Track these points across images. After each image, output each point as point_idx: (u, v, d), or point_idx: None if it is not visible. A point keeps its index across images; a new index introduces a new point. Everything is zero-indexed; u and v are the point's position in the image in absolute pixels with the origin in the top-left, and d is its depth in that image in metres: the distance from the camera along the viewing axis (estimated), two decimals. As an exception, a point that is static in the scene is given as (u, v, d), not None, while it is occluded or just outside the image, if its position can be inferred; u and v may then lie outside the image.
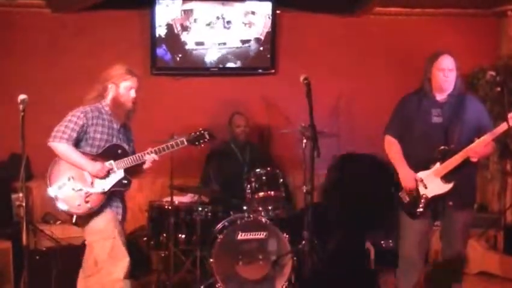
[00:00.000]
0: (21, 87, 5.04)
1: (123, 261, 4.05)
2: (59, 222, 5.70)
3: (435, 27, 6.57)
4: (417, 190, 4.32)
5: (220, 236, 4.94)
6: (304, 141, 4.93)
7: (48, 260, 5.13)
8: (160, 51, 6.11)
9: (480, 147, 4.18)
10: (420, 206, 4.31)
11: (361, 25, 6.56)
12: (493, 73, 4.26)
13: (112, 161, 4.07)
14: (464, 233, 4.45)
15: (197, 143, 4.30)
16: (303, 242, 4.86)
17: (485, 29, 6.66)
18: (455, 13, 6.62)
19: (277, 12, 6.31)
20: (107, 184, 4.05)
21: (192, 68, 6.26)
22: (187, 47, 6.17)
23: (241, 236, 4.95)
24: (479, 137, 4.20)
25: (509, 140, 5.46)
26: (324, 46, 6.53)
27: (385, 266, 5.43)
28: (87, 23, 6.06)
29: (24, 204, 3.94)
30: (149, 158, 4.12)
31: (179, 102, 6.27)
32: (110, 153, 4.08)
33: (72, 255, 5.30)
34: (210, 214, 5.27)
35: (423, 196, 4.30)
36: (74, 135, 4.03)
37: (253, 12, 6.23)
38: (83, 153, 4.04)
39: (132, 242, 5.49)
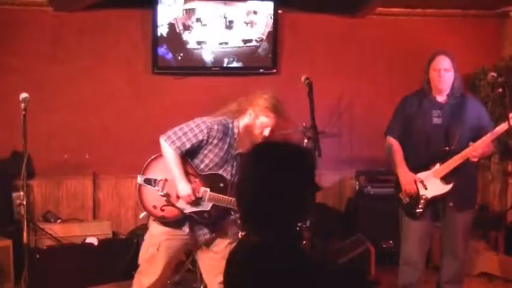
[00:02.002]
0: (23, 85, 5.08)
1: (152, 276, 3.89)
2: (59, 220, 5.70)
3: (436, 28, 6.56)
4: (417, 191, 4.32)
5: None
6: (306, 141, 4.93)
7: (48, 259, 5.15)
8: (161, 50, 6.11)
9: (480, 147, 4.18)
10: (420, 206, 4.31)
11: (363, 25, 6.56)
12: (495, 74, 4.27)
13: (208, 190, 3.81)
14: (465, 234, 4.45)
15: None
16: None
17: (487, 30, 6.66)
18: (456, 14, 6.61)
19: (279, 12, 6.30)
20: (190, 208, 3.82)
21: (194, 67, 6.26)
22: (188, 46, 6.16)
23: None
24: (479, 138, 4.20)
25: (511, 141, 5.47)
26: (326, 46, 6.52)
27: (386, 265, 5.43)
28: (89, 22, 6.06)
29: (25, 202, 3.96)
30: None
31: (181, 101, 6.26)
32: (211, 181, 3.82)
33: (73, 254, 5.34)
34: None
35: (423, 197, 4.30)
36: (188, 146, 3.75)
37: (255, 12, 6.23)
38: (189, 165, 3.82)
39: (133, 241, 5.51)
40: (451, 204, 4.30)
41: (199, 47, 6.18)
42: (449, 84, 4.31)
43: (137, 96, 6.15)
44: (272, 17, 6.25)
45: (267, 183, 2.07)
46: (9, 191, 5.55)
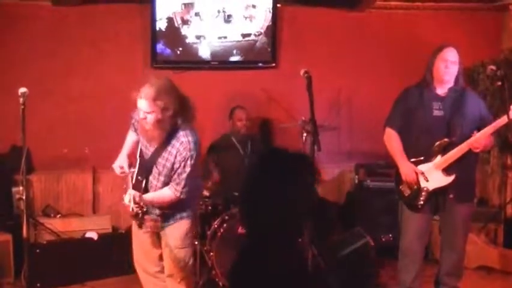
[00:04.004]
0: (22, 79, 5.08)
1: None
2: (59, 215, 5.71)
3: (436, 21, 6.56)
4: (418, 183, 4.32)
5: (221, 230, 4.95)
6: (305, 135, 4.93)
7: (48, 253, 5.15)
8: (160, 45, 6.09)
9: (482, 139, 4.20)
10: (421, 198, 4.32)
11: (362, 19, 6.55)
12: (494, 67, 4.27)
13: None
14: (464, 226, 4.46)
15: None
16: (303, 235, 4.85)
17: (486, 23, 6.65)
18: (456, 7, 6.61)
19: (278, 5, 6.30)
20: None
21: (192, 61, 6.25)
22: (187, 40, 6.15)
23: (241, 229, 4.96)
24: (479, 130, 4.22)
25: (510, 134, 5.47)
26: (325, 40, 6.52)
27: (385, 259, 5.44)
28: (88, 16, 6.04)
29: (24, 197, 3.95)
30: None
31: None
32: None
33: (72, 249, 5.34)
34: (210, 208, 5.27)
35: (425, 189, 4.31)
36: None
37: (254, 6, 6.22)
38: None
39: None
40: (451, 196, 4.31)
41: (198, 41, 6.17)
42: (453, 76, 4.32)
43: (135, 90, 6.12)
44: (271, 11, 6.24)
45: (270, 195, 2.10)
46: (8, 186, 5.54)
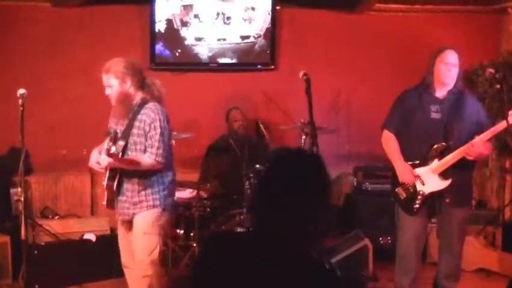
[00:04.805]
0: (21, 81, 5.07)
1: None
2: (57, 217, 5.70)
3: (435, 24, 6.56)
4: (414, 186, 4.32)
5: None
6: (304, 137, 4.93)
7: (46, 255, 5.14)
8: (159, 46, 6.10)
9: (478, 145, 4.17)
10: (417, 202, 4.31)
11: (361, 21, 6.56)
12: (492, 70, 4.26)
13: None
14: (461, 230, 4.45)
15: None
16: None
17: (485, 26, 6.65)
18: (455, 9, 6.61)
19: (277, 8, 6.30)
20: None
21: (191, 63, 6.25)
22: (186, 42, 6.16)
23: (239, 231, 4.96)
24: (478, 135, 4.19)
25: (509, 138, 5.47)
26: (324, 42, 6.52)
27: (384, 261, 5.43)
28: (87, 18, 6.05)
29: (22, 198, 3.95)
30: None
31: (178, 97, 6.24)
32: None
33: (70, 250, 5.33)
34: (208, 210, 5.27)
35: (421, 192, 4.30)
36: None
37: (253, 8, 6.23)
38: None
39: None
40: (447, 200, 4.29)
41: (197, 43, 6.17)
42: (454, 79, 4.29)
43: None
44: (270, 13, 6.24)
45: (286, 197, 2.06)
46: (7, 187, 5.54)
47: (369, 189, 6.10)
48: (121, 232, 4.20)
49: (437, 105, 4.31)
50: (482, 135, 4.16)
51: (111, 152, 3.81)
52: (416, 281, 4.49)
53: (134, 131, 3.96)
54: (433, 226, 4.76)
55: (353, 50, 6.56)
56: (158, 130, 3.92)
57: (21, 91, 4.02)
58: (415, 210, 4.32)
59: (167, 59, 6.17)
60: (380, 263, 5.42)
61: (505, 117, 4.04)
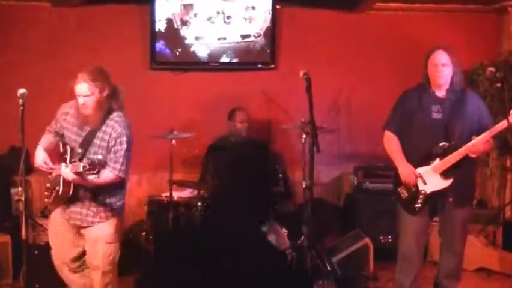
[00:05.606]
0: (21, 80, 5.06)
1: None
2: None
3: (435, 23, 6.55)
4: (416, 186, 4.32)
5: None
6: (304, 136, 4.93)
7: (47, 255, 5.13)
8: (159, 46, 6.10)
9: (480, 144, 4.17)
10: (419, 201, 4.31)
11: (361, 20, 6.55)
12: (493, 69, 4.25)
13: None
14: (463, 229, 4.45)
15: None
16: (302, 237, 4.85)
17: (486, 25, 6.65)
18: (455, 9, 6.60)
19: (278, 7, 6.29)
20: None
21: (192, 62, 6.25)
22: (186, 41, 6.15)
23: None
24: (478, 134, 4.19)
25: (510, 137, 5.46)
26: (324, 41, 6.51)
27: (385, 261, 5.43)
28: (87, 17, 6.04)
29: (23, 198, 3.94)
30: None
31: (179, 96, 6.26)
32: None
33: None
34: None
35: (422, 192, 4.30)
36: None
37: (253, 7, 6.22)
38: None
39: (131, 237, 5.50)
40: (450, 199, 4.29)
41: (197, 42, 6.17)
42: (448, 79, 4.29)
43: (135, 91, 6.12)
44: (270, 12, 6.23)
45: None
46: (7, 187, 5.54)
47: (369, 188, 6.10)
48: (61, 229, 4.18)
49: (438, 105, 4.31)
50: (481, 136, 4.16)
51: (78, 170, 3.76)
52: (416, 280, 4.50)
53: (96, 141, 3.98)
54: (434, 225, 4.76)
55: (353, 49, 6.56)
56: (124, 146, 3.94)
57: (21, 91, 4.02)
58: (417, 209, 4.32)
59: (167, 58, 6.16)
60: (380, 263, 5.43)
61: (506, 117, 4.04)
